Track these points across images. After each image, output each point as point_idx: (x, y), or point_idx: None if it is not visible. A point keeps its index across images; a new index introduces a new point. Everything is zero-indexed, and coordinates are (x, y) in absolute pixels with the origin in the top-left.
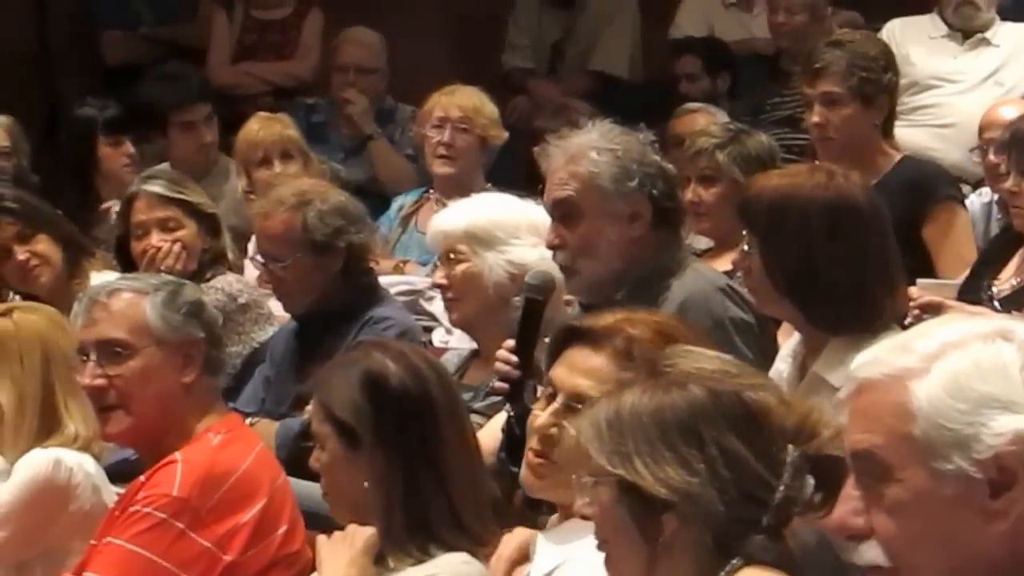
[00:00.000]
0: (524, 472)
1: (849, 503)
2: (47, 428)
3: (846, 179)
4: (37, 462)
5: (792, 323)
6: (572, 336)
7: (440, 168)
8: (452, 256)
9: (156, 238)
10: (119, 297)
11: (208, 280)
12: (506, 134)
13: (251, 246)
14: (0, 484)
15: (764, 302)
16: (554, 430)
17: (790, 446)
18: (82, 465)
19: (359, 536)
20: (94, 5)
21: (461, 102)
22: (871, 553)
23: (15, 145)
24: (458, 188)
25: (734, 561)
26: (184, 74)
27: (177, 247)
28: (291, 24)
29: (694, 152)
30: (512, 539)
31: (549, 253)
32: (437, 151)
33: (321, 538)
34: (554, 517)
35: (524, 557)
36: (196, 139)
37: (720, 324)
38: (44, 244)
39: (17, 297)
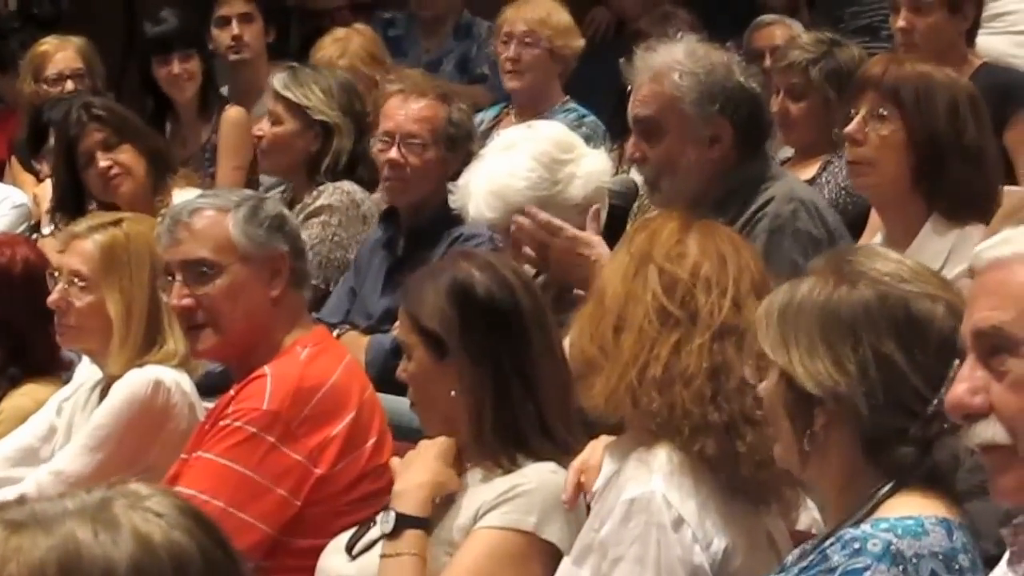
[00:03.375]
0: None
1: (967, 382)
2: (150, 341)
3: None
4: (136, 383)
5: (891, 205)
6: None
7: (510, 83)
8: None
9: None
10: (201, 215)
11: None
12: (580, 42)
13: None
14: (99, 406)
15: (880, 178)
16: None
17: (956, 361)
18: (180, 384)
19: (431, 445)
20: None
21: (526, 15)
22: (989, 431)
23: (89, 66)
24: (533, 102)
25: (887, 486)
26: None
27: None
28: None
29: (785, 64)
30: (595, 446)
31: (594, 163)
32: (505, 66)
33: (394, 460)
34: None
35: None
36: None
37: (781, 229)
38: (128, 154)
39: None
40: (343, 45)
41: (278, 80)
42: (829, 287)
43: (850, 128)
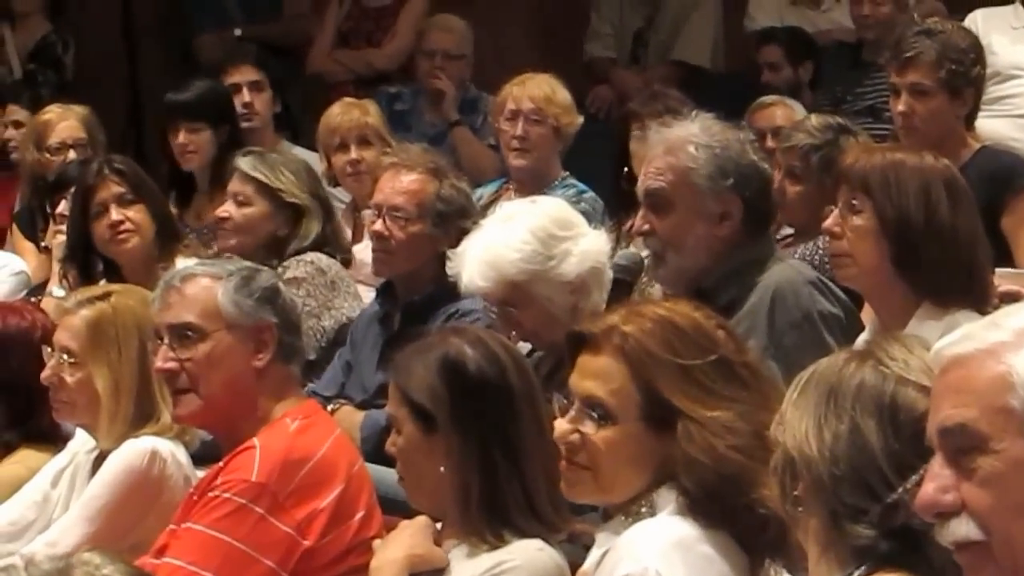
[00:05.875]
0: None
1: (936, 481)
2: (143, 415)
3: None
4: (132, 453)
5: (877, 294)
6: (578, 342)
7: (515, 161)
8: (512, 309)
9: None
10: (194, 282)
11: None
12: (580, 119)
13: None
14: (93, 477)
15: (860, 269)
16: (574, 436)
17: None
18: (175, 455)
19: (408, 524)
20: (185, 6)
21: (532, 92)
22: (963, 529)
23: (91, 136)
24: (534, 179)
25: (858, 570)
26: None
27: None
28: (390, 11)
29: (788, 146)
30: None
31: (591, 243)
32: (511, 144)
33: (376, 541)
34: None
35: None
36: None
37: (808, 317)
38: (141, 214)
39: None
40: (347, 114)
41: (245, 162)
42: (851, 364)
43: (827, 223)
